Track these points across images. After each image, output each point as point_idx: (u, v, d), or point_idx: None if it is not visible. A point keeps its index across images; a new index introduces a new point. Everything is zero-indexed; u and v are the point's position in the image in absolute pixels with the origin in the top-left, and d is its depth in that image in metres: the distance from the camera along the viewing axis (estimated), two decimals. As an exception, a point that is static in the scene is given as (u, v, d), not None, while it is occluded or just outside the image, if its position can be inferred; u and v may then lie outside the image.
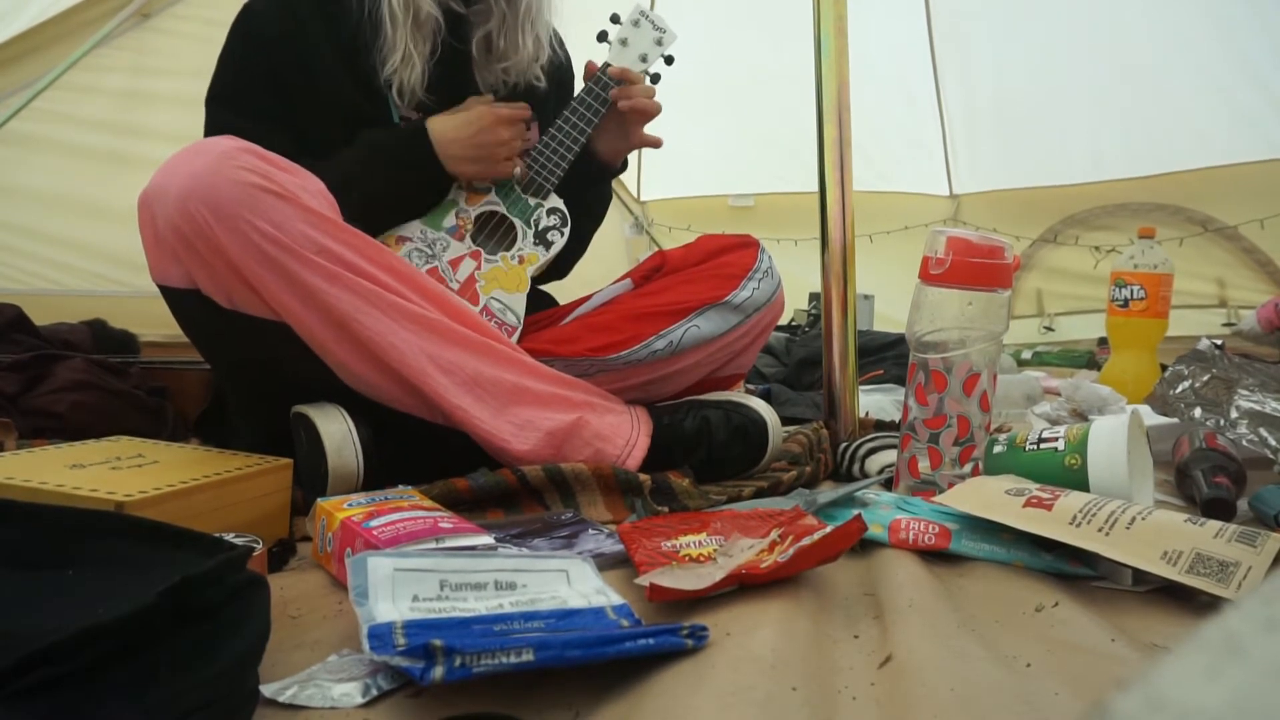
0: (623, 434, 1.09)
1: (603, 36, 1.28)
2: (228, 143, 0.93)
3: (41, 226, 2.64)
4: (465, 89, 1.21)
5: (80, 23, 2.56)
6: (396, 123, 1.18)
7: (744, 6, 3.29)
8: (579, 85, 1.27)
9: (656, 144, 1.29)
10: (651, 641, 0.57)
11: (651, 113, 1.25)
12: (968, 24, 3.27)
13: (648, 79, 1.30)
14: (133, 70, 2.70)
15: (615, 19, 1.29)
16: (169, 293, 0.97)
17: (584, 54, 1.29)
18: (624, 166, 1.35)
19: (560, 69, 1.33)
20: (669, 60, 1.30)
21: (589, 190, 1.30)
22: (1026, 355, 2.96)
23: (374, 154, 1.12)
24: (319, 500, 0.84)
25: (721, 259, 1.20)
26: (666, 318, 1.13)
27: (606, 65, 1.26)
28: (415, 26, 1.13)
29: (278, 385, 1.02)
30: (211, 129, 1.13)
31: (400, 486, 0.90)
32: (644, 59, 1.28)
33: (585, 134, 1.23)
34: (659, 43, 1.29)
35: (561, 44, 1.36)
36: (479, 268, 1.18)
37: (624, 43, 1.27)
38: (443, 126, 1.14)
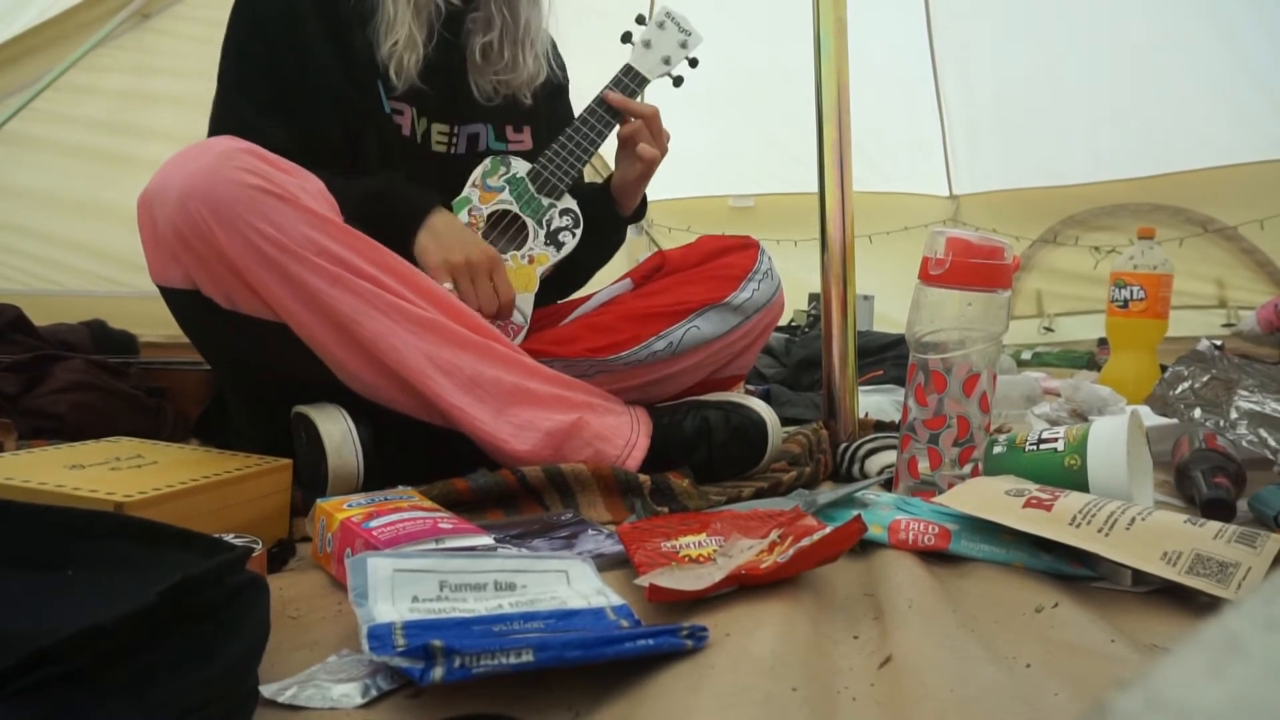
0: (622, 434, 1.09)
1: (627, 38, 1.28)
2: (227, 143, 0.92)
3: (41, 226, 2.64)
4: (457, 87, 1.22)
5: (80, 23, 2.56)
6: (387, 114, 1.17)
7: (744, 8, 3.29)
8: (574, 91, 1.27)
9: (646, 158, 1.24)
10: (651, 642, 0.57)
11: (650, 114, 1.24)
12: (968, 24, 3.27)
13: (670, 80, 1.31)
14: (133, 70, 2.70)
15: (641, 20, 1.29)
16: (168, 293, 0.97)
17: (586, 55, 1.29)
18: (640, 214, 1.35)
19: (553, 87, 1.31)
20: (693, 63, 1.30)
21: (601, 232, 1.28)
22: (1026, 356, 2.96)
23: (374, 197, 1.09)
24: (319, 501, 0.84)
25: (721, 260, 1.20)
26: (666, 319, 1.14)
27: (630, 68, 1.26)
28: (414, 9, 1.13)
29: (277, 386, 1.02)
30: (219, 117, 1.13)
31: (400, 487, 0.90)
32: (666, 61, 1.28)
33: (604, 135, 1.23)
34: (683, 45, 1.28)
35: (558, 57, 1.36)
36: None
37: (647, 45, 1.28)
38: (450, 218, 1.12)
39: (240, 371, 1.04)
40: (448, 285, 1.08)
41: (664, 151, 1.25)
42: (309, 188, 0.96)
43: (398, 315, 0.97)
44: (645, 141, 1.23)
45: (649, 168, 1.25)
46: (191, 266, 0.92)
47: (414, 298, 0.99)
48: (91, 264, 2.68)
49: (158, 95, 2.68)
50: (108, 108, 2.68)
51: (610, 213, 1.29)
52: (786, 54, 2.35)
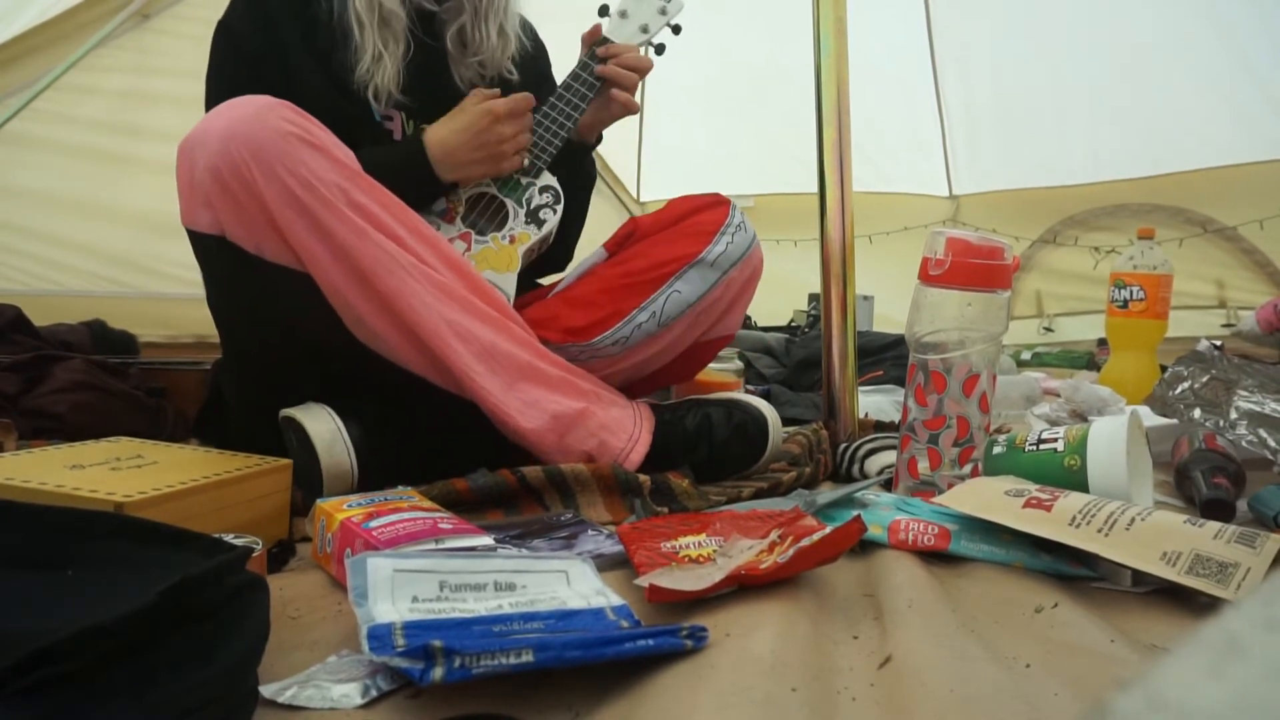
0: (626, 429, 1.09)
1: (604, 10, 1.26)
2: (268, 98, 0.95)
3: (41, 226, 2.64)
4: (443, 86, 1.21)
5: (80, 23, 2.56)
6: (378, 121, 1.18)
7: (744, 7, 3.29)
8: (559, 71, 1.25)
9: (632, 108, 1.25)
10: (651, 642, 0.57)
11: (633, 80, 1.23)
12: (968, 24, 3.27)
13: (651, 50, 1.28)
14: (133, 70, 2.70)
15: None
16: (195, 237, 0.98)
17: (571, 52, 1.28)
18: (598, 140, 1.34)
19: (531, 58, 1.32)
20: (676, 30, 1.27)
21: (573, 170, 1.28)
22: (1026, 356, 2.96)
23: (371, 172, 1.11)
24: (318, 501, 0.84)
25: (693, 219, 1.19)
26: (645, 287, 1.13)
27: (605, 39, 1.25)
28: (382, 26, 1.14)
29: (287, 350, 1.02)
30: None
31: (400, 487, 0.90)
32: (645, 29, 1.25)
33: (580, 109, 1.22)
34: (663, 11, 1.25)
35: (534, 34, 1.36)
36: (469, 249, 1.17)
37: (623, 14, 1.25)
38: (441, 136, 1.13)
39: (252, 329, 1.04)
40: (526, 162, 1.16)
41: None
42: (343, 147, 0.99)
43: (420, 276, 0.98)
44: (628, 90, 1.24)
45: (625, 114, 1.27)
46: (224, 210, 0.94)
47: (437, 264, 1.01)
48: (91, 264, 2.68)
49: (158, 95, 2.67)
50: (108, 108, 2.68)
51: (573, 146, 1.28)
52: (787, 53, 2.35)
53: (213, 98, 1.16)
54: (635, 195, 3.93)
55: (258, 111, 0.93)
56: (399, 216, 1.00)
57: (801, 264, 2.34)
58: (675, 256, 1.14)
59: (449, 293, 1.00)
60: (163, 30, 2.72)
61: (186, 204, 0.96)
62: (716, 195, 1.23)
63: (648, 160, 3.84)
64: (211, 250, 0.97)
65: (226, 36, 1.16)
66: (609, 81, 1.22)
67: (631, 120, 1.27)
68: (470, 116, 1.13)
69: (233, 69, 1.15)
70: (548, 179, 1.22)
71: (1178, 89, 3.01)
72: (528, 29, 1.34)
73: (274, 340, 1.03)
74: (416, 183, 1.12)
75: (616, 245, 1.23)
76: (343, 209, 0.95)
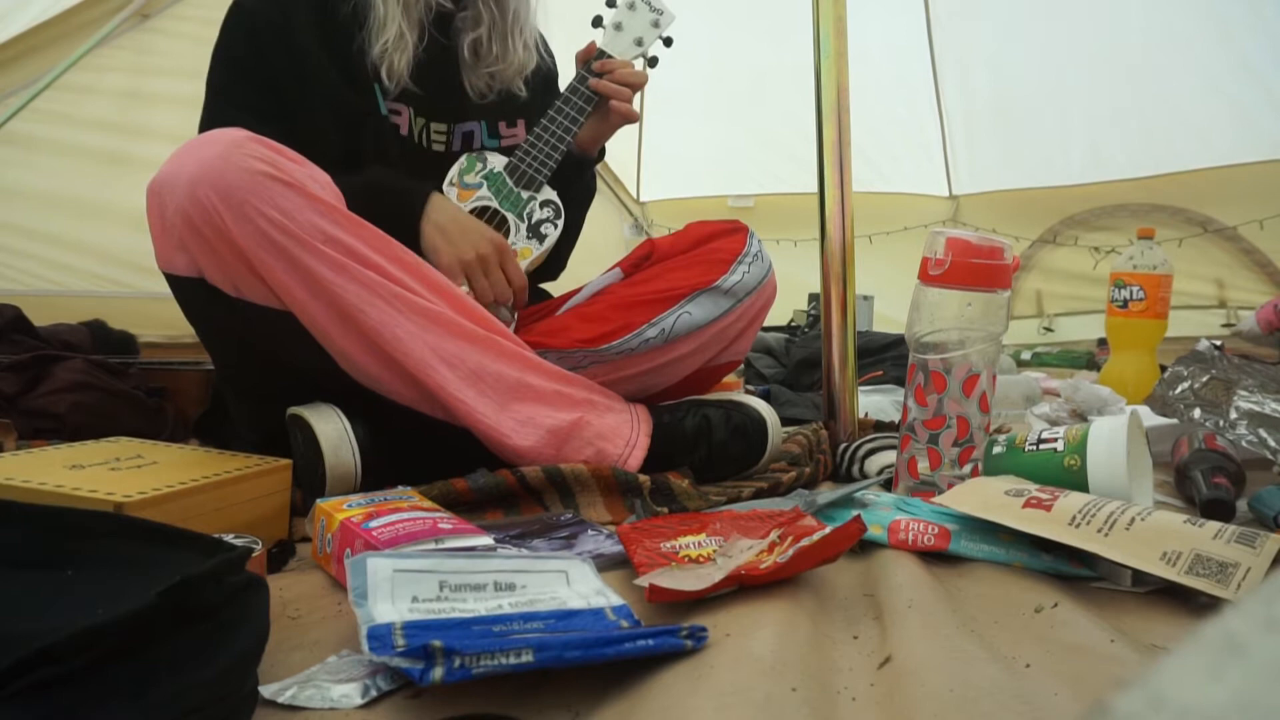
0: (623, 434, 1.08)
1: (597, 21, 1.28)
2: (237, 133, 0.93)
3: (41, 227, 2.64)
4: (452, 87, 1.22)
5: (80, 23, 2.56)
6: (384, 114, 1.18)
7: (744, 7, 3.29)
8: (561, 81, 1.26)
9: (632, 118, 1.27)
10: (651, 642, 0.57)
11: (627, 94, 1.24)
12: (968, 24, 3.27)
13: (644, 63, 1.30)
14: (133, 70, 2.71)
15: (611, 2, 1.28)
16: (174, 281, 0.97)
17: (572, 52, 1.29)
18: (602, 154, 1.35)
19: (543, 76, 1.32)
20: (668, 42, 1.29)
21: (572, 183, 1.28)
22: (1026, 356, 2.97)
23: (367, 191, 1.09)
24: (318, 501, 0.84)
25: (710, 245, 1.19)
26: (658, 305, 1.13)
27: (601, 52, 1.26)
28: (405, 9, 1.14)
29: (280, 377, 1.02)
30: (208, 121, 1.14)
31: (400, 487, 0.90)
32: (639, 42, 1.27)
33: (578, 123, 1.23)
34: (655, 24, 1.27)
35: (547, 48, 1.37)
36: None
37: (618, 27, 1.27)
38: (449, 205, 1.12)
39: (243, 362, 1.04)
40: (464, 288, 1.09)
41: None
42: (317, 178, 0.97)
43: (402, 305, 0.97)
44: (626, 100, 1.25)
45: (625, 123, 1.27)
46: (199, 254, 0.93)
47: (420, 289, 1.00)
48: (92, 264, 2.68)
49: (158, 95, 2.68)
50: (108, 108, 2.68)
51: (574, 159, 1.28)
52: (786, 54, 2.35)
53: (217, 80, 1.16)
54: (635, 195, 3.93)
55: (225, 150, 0.90)
56: (378, 246, 0.98)
57: (801, 264, 2.33)
58: (690, 283, 1.14)
59: (433, 318, 0.99)
60: (163, 30, 2.73)
61: (161, 248, 0.95)
62: (735, 222, 1.23)
63: (648, 160, 3.84)
64: (192, 292, 0.96)
65: (237, 11, 1.17)
66: (605, 96, 1.23)
67: (632, 121, 1.28)
68: (486, 230, 1.13)
69: (241, 51, 1.15)
70: (548, 193, 1.22)
71: (1178, 89, 3.01)
72: (541, 43, 1.34)
73: (263, 375, 1.02)
74: (400, 214, 1.10)
75: (633, 266, 1.23)
76: (319, 246, 0.93)
